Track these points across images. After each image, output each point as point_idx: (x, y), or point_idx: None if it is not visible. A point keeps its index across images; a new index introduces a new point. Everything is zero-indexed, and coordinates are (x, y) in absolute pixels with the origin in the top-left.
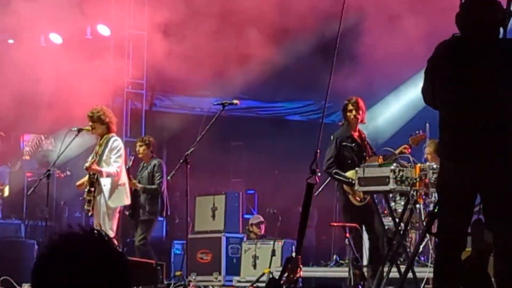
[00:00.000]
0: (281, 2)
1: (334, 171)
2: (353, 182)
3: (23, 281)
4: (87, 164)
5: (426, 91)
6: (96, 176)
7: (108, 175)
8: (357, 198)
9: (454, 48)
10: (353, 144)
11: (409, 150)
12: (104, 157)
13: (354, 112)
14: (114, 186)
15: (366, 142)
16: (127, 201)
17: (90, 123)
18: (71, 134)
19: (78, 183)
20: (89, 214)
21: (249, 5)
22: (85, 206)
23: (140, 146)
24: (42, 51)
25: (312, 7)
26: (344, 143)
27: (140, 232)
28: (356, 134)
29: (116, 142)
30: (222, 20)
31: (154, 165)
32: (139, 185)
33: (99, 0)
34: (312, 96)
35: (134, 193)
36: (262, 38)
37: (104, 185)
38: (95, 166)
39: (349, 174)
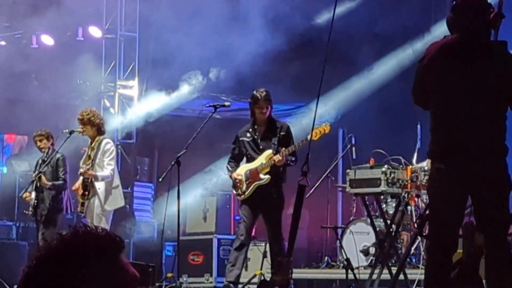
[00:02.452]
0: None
1: (226, 165)
2: (229, 175)
3: (15, 283)
4: (82, 170)
5: (416, 92)
6: (90, 180)
7: (103, 179)
8: (236, 191)
9: (446, 50)
10: (250, 139)
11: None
12: (97, 161)
13: (260, 103)
14: (109, 189)
15: (273, 137)
16: (122, 202)
17: (80, 126)
18: (63, 136)
19: (74, 187)
20: (82, 216)
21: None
22: (78, 208)
23: (41, 140)
24: (33, 52)
25: None
26: (241, 138)
27: (43, 230)
28: (262, 128)
29: (109, 145)
30: (212, 21)
31: (58, 159)
32: (48, 183)
33: (90, 2)
34: (303, 98)
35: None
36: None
37: (99, 188)
38: (90, 172)
39: (242, 167)
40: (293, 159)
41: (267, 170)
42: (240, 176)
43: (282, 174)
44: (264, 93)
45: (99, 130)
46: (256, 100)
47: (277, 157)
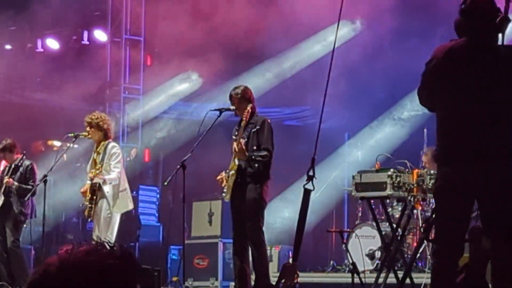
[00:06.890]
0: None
1: None
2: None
3: (20, 286)
4: (91, 175)
5: (422, 93)
6: (98, 184)
7: (111, 182)
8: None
9: (453, 53)
10: (236, 137)
11: None
12: (104, 165)
13: (231, 99)
14: (117, 192)
15: (251, 134)
16: (131, 205)
17: (87, 129)
18: (68, 139)
19: (82, 190)
20: (89, 220)
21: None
22: (85, 213)
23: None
24: (38, 56)
25: None
26: (233, 136)
27: (11, 234)
28: (243, 125)
29: (115, 149)
30: (217, 24)
31: (27, 166)
32: (15, 183)
33: (96, 5)
34: (308, 101)
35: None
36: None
37: (107, 192)
38: (99, 177)
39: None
40: (263, 153)
41: (235, 166)
42: (221, 176)
43: (259, 172)
44: (234, 89)
45: (106, 135)
46: (229, 97)
47: (236, 144)
